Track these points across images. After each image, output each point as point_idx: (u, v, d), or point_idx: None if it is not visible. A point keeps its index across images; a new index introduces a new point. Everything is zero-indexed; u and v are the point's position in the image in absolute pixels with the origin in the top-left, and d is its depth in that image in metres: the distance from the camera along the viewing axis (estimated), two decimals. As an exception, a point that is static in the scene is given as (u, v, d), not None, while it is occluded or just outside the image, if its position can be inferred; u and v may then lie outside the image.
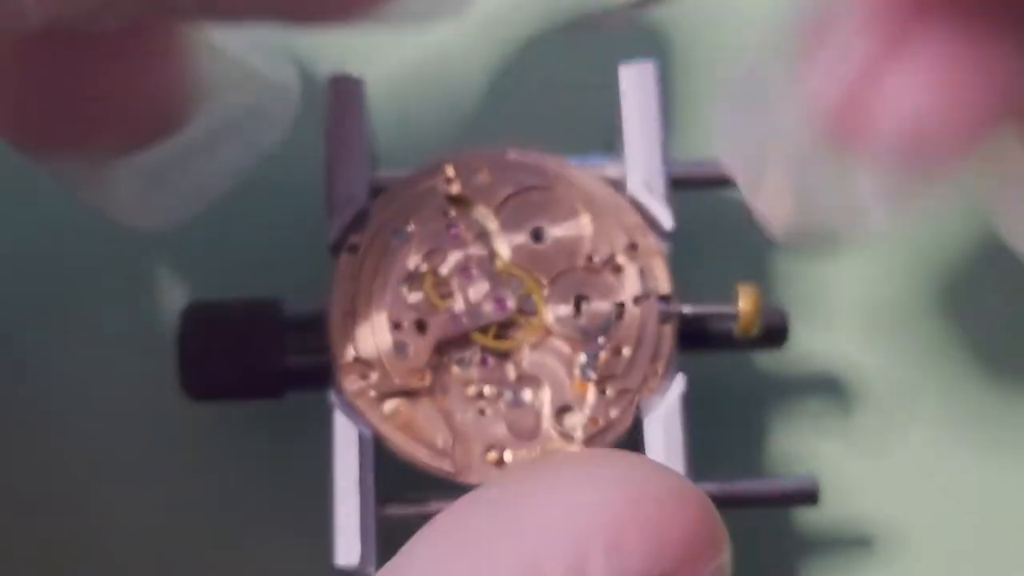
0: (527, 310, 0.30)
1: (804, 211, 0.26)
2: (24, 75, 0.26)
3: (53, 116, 0.27)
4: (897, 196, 0.25)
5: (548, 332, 0.29)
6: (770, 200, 0.26)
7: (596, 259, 0.30)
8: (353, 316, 0.29)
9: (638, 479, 0.22)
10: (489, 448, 0.29)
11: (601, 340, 0.29)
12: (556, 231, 0.30)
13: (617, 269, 0.30)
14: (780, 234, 0.27)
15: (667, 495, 0.22)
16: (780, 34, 0.25)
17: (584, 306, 0.30)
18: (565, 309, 0.30)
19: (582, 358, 0.29)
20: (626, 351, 0.29)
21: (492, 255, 0.30)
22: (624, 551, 0.21)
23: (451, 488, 0.28)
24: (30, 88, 0.26)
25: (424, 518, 0.22)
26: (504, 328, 0.29)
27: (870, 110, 0.24)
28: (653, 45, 0.31)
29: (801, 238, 0.27)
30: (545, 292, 0.30)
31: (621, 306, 0.30)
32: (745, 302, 0.30)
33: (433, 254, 0.30)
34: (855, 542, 0.33)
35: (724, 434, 0.34)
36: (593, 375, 0.29)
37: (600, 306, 0.29)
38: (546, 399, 0.29)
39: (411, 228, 0.30)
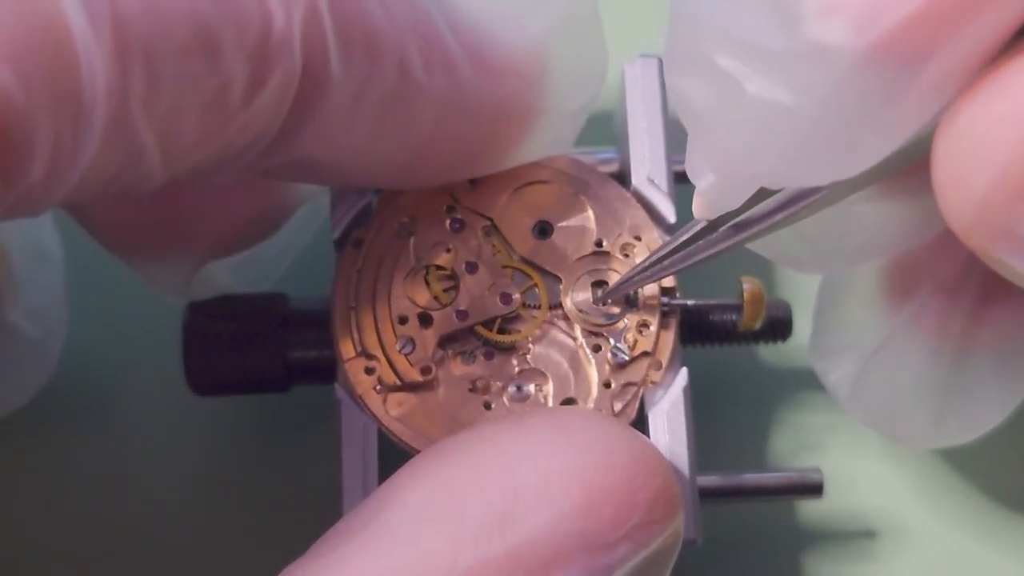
0: (531, 304, 0.30)
1: (930, 419, 0.29)
2: (141, 203, 0.29)
3: (166, 235, 0.30)
4: (1011, 387, 0.28)
5: (556, 326, 0.29)
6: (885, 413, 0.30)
7: (605, 243, 0.30)
8: (357, 311, 0.29)
9: (611, 445, 0.23)
10: (494, 442, 0.29)
11: (625, 321, 0.29)
12: (561, 223, 0.30)
13: (626, 250, 0.30)
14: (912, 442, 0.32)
15: (636, 462, 0.23)
16: (867, 282, 0.29)
17: (602, 290, 0.30)
18: (584, 295, 0.30)
19: (611, 341, 0.29)
20: (652, 326, 0.29)
21: (496, 250, 0.30)
22: (593, 515, 0.22)
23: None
24: (147, 213, 0.29)
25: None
26: (508, 322, 0.29)
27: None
28: (657, 41, 0.31)
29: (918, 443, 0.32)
30: (561, 283, 0.30)
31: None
32: (748, 295, 0.30)
33: (437, 249, 0.30)
34: (859, 534, 0.34)
35: (729, 427, 0.34)
36: (626, 356, 0.29)
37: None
38: (550, 392, 0.29)
39: (415, 223, 0.30)
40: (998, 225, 0.21)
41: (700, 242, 0.27)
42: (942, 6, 0.20)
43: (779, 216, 0.25)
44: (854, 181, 0.24)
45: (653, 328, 0.29)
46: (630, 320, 0.29)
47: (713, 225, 0.26)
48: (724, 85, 0.22)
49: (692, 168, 0.25)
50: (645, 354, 0.29)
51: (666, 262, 0.28)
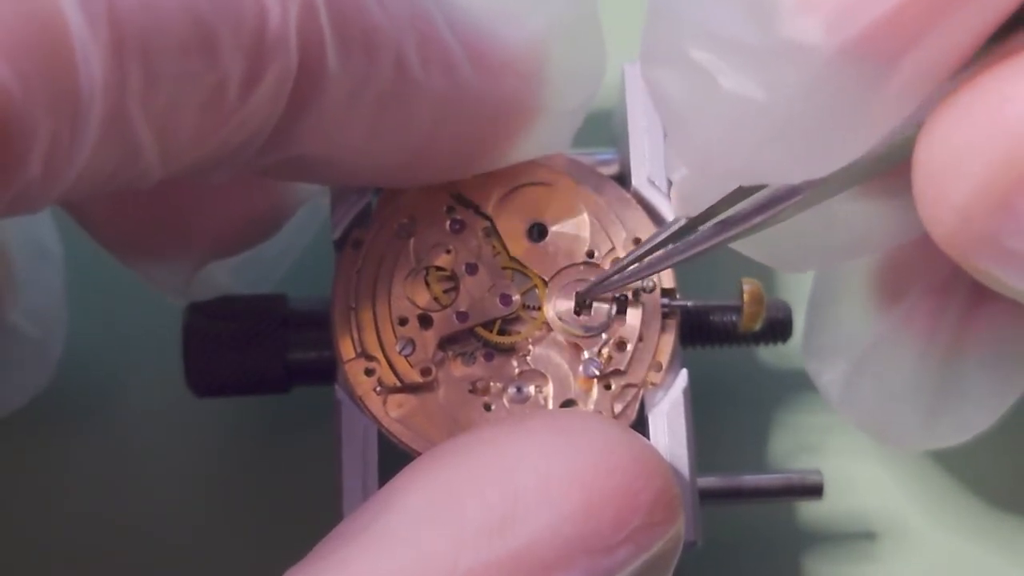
0: (531, 305, 0.30)
1: (920, 421, 0.29)
2: (140, 203, 0.29)
3: (165, 235, 0.30)
4: (1003, 389, 0.29)
5: (550, 328, 0.29)
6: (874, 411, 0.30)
7: (597, 255, 0.30)
8: (357, 312, 0.29)
9: (611, 447, 0.23)
10: (493, 443, 0.29)
11: (604, 336, 0.29)
12: (556, 228, 0.30)
13: (617, 263, 0.30)
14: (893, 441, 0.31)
15: (636, 464, 0.23)
16: (857, 283, 0.29)
17: (586, 302, 0.30)
18: (566, 305, 0.30)
19: (585, 355, 0.29)
20: (629, 347, 0.29)
21: (496, 251, 0.30)
22: (594, 518, 0.22)
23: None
24: (146, 213, 0.29)
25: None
26: (508, 323, 0.29)
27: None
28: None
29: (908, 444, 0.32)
30: (547, 289, 0.30)
31: (624, 301, 0.30)
32: (748, 296, 0.30)
33: (437, 250, 0.30)
34: (859, 536, 0.34)
35: (729, 428, 0.34)
36: (597, 371, 0.29)
37: (601, 302, 0.29)
38: (550, 394, 0.29)
39: (415, 224, 0.30)
40: (978, 235, 0.21)
41: (680, 243, 0.27)
42: (916, 6, 0.20)
43: (760, 217, 0.25)
44: (837, 181, 0.24)
45: (630, 347, 0.29)
46: (608, 335, 0.29)
47: (693, 224, 0.26)
48: (699, 79, 0.22)
49: (668, 162, 0.25)
50: (618, 371, 0.29)
51: (644, 262, 0.28)
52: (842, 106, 0.21)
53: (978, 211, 0.21)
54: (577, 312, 0.29)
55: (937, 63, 0.21)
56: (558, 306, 0.30)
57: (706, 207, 0.26)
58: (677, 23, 0.22)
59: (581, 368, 0.29)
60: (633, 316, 0.29)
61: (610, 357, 0.29)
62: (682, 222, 0.27)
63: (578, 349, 0.29)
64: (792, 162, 0.23)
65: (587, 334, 0.29)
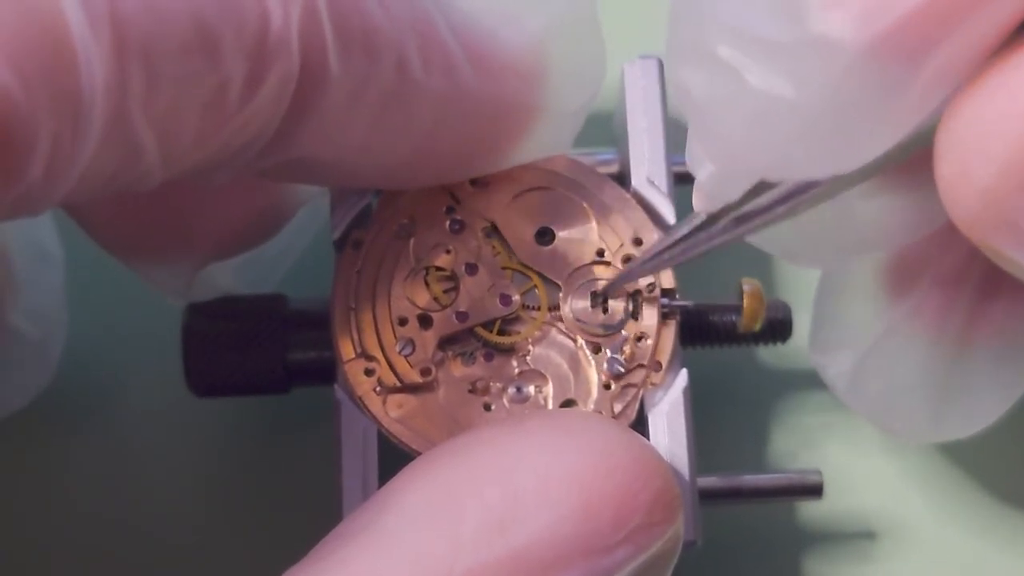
0: (531, 305, 0.30)
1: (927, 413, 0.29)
2: (141, 205, 0.29)
3: (165, 237, 0.30)
4: (1011, 381, 0.29)
5: (556, 327, 0.29)
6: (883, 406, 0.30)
7: (607, 253, 0.30)
8: (357, 312, 0.29)
9: (610, 447, 0.23)
10: (493, 443, 0.29)
11: (624, 332, 0.29)
12: (563, 231, 0.30)
13: (628, 261, 0.30)
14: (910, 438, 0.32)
15: (636, 464, 0.23)
16: (866, 275, 0.29)
17: (601, 299, 0.30)
18: (582, 304, 0.30)
19: (608, 353, 0.29)
20: (649, 340, 0.29)
21: (496, 251, 0.30)
22: (593, 518, 0.22)
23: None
24: (147, 215, 0.29)
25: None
26: (507, 323, 0.29)
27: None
28: (657, 42, 0.31)
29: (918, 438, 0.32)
30: (561, 291, 0.30)
31: (637, 295, 0.30)
32: (748, 297, 0.30)
33: (437, 250, 0.30)
34: (858, 535, 0.34)
35: (729, 428, 0.34)
36: (622, 368, 0.29)
37: (617, 299, 0.30)
38: (550, 394, 0.29)
39: (415, 224, 0.30)
40: (1002, 218, 0.21)
41: (700, 235, 0.27)
42: (945, 1, 0.20)
43: (779, 210, 0.25)
44: (854, 175, 0.24)
45: (650, 341, 0.29)
46: (628, 331, 0.29)
47: (713, 218, 0.26)
48: (725, 76, 0.22)
49: (692, 159, 0.25)
50: (641, 366, 0.29)
51: (666, 255, 0.28)
52: (871, 101, 0.22)
53: (1000, 194, 0.21)
54: (593, 308, 0.29)
55: (966, 56, 0.21)
56: (575, 306, 0.30)
57: (728, 202, 0.26)
58: (702, 21, 0.23)
59: (605, 366, 0.29)
60: (649, 313, 0.29)
61: (632, 353, 0.29)
62: (702, 217, 0.27)
63: (597, 347, 0.29)
64: (820, 158, 0.23)
65: (606, 333, 0.29)
